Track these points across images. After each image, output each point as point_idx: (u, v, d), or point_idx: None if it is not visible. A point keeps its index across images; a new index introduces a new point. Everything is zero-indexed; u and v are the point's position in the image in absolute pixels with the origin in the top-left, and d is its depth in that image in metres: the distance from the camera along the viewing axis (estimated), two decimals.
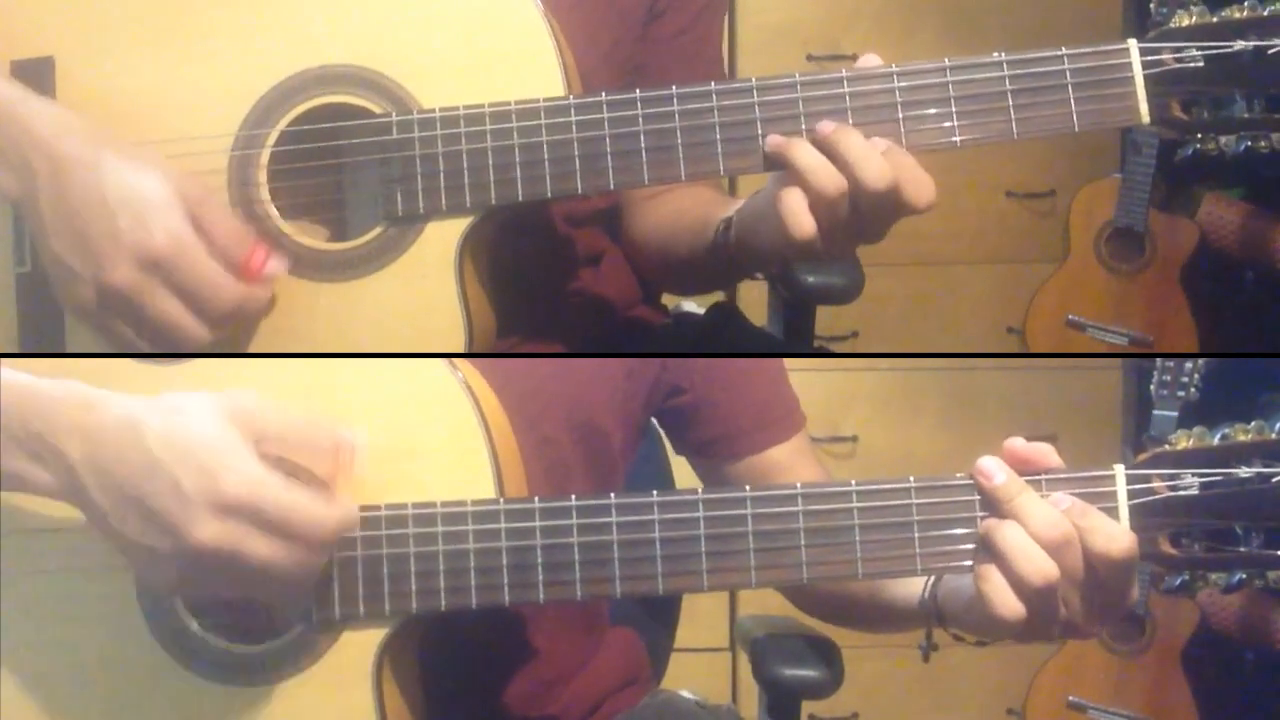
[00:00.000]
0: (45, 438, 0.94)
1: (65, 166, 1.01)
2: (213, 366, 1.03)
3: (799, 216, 1.05)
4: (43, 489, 0.95)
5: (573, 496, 1.00)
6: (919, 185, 1.05)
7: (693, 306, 1.53)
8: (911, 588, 1.14)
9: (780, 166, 1.06)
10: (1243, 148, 2.55)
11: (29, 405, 0.95)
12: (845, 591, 1.25)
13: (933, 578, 1.12)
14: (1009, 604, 0.97)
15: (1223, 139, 2.54)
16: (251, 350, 1.09)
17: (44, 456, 0.94)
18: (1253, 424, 0.99)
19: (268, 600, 1.00)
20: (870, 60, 1.08)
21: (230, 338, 1.07)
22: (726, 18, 2.54)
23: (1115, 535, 0.97)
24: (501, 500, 1.00)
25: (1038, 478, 0.99)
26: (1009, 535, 0.97)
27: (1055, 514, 0.97)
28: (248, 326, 1.08)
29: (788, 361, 1.36)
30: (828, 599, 1.31)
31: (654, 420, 1.32)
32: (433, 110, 1.08)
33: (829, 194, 1.04)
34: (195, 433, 0.93)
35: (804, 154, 1.05)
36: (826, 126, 1.05)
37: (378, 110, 1.08)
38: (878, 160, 1.04)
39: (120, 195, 1.00)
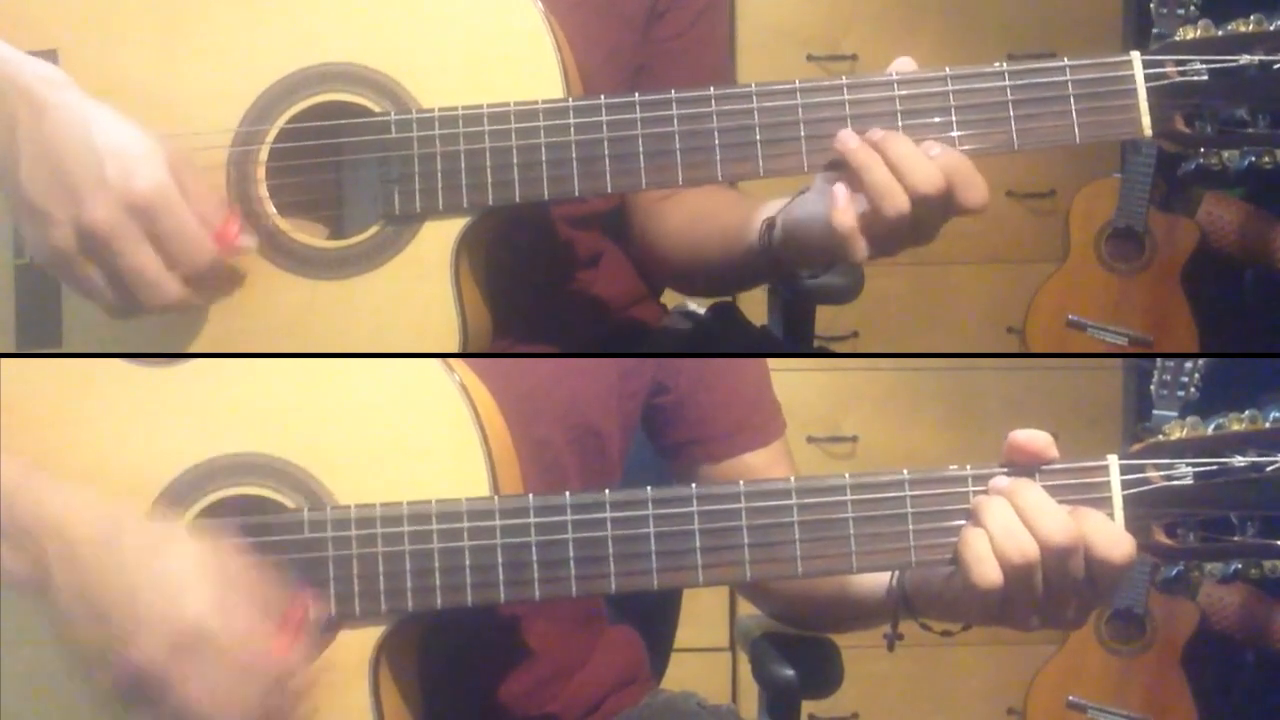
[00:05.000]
0: None
1: (51, 113, 1.01)
2: (210, 365, 1.03)
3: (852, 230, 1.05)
4: None
5: (567, 494, 1.00)
6: (971, 188, 1.05)
7: (693, 306, 1.53)
8: (878, 579, 1.14)
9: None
10: (1246, 163, 2.55)
11: None
12: (811, 590, 1.25)
13: None
14: (988, 573, 0.97)
15: (1226, 153, 2.55)
16: (248, 349, 1.09)
17: None
18: (1246, 413, 0.99)
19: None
20: (904, 64, 1.08)
21: (220, 335, 1.08)
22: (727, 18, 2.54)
23: (1117, 539, 0.97)
24: (496, 498, 1.00)
25: (1033, 469, 1.00)
26: (996, 511, 0.98)
27: (1065, 517, 0.97)
28: (228, 313, 1.09)
29: (788, 361, 1.36)
30: (792, 600, 1.31)
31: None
32: (432, 110, 1.08)
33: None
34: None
35: (867, 159, 1.05)
36: (875, 134, 1.05)
37: (377, 109, 1.08)
38: (926, 164, 1.04)
39: (108, 143, 1.00)
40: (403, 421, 1.01)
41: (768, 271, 1.31)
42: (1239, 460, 0.98)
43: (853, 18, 2.78)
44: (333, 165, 1.11)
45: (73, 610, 0.93)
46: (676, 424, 1.29)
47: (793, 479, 1.00)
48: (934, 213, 1.05)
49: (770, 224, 1.21)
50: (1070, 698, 2.61)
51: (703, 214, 1.35)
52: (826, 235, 1.08)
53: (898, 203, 1.04)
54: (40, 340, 1.12)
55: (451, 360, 1.04)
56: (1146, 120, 1.06)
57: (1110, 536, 0.97)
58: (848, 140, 1.05)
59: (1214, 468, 0.98)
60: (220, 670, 0.92)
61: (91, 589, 0.93)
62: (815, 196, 1.13)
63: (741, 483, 1.01)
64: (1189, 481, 0.99)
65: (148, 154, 1.01)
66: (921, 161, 1.04)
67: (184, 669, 0.91)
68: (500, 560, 1.00)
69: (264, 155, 1.09)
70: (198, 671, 0.92)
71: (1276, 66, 1.04)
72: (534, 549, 1.00)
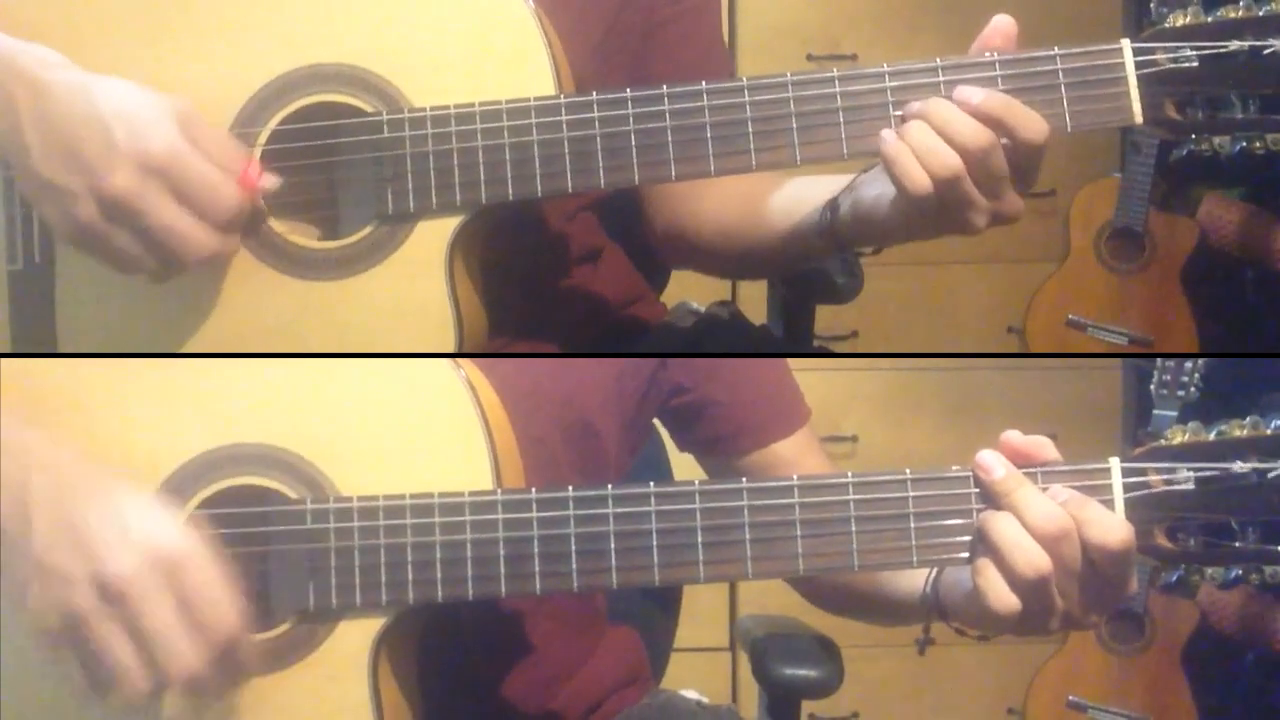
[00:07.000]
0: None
1: (51, 91, 1.01)
2: (210, 366, 1.03)
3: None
4: None
5: (570, 488, 1.00)
6: (1024, 123, 1.05)
7: (692, 305, 1.53)
8: (914, 581, 1.14)
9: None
10: (1238, 148, 2.55)
11: None
12: (849, 584, 1.26)
13: (934, 572, 1.11)
14: (1003, 597, 0.97)
15: (1218, 140, 2.55)
16: (247, 350, 1.09)
17: None
18: (1248, 419, 0.98)
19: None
20: (1003, 23, 1.10)
21: (215, 338, 1.08)
22: (726, 14, 2.53)
23: (1112, 526, 0.96)
24: (499, 491, 1.00)
25: (1034, 470, 1.00)
26: (1002, 527, 0.97)
27: (1052, 506, 0.97)
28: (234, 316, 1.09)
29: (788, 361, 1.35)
30: (834, 591, 1.31)
31: (656, 420, 1.32)
32: (423, 109, 1.07)
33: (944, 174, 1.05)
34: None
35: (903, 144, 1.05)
36: (912, 107, 1.05)
37: (369, 109, 1.08)
38: (968, 124, 1.05)
39: (113, 109, 1.00)
40: (407, 414, 1.01)
41: (820, 250, 1.27)
42: (1240, 466, 0.98)
43: (853, 17, 2.78)
44: (325, 166, 1.10)
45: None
46: (701, 423, 1.28)
47: (795, 476, 1.00)
48: (1021, 159, 1.07)
49: (833, 205, 1.19)
50: (1070, 698, 2.61)
51: (742, 194, 1.32)
52: (895, 213, 1.09)
53: (950, 161, 1.04)
54: (35, 346, 1.11)
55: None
56: (1137, 107, 1.07)
57: (1104, 523, 0.96)
58: (885, 138, 1.05)
59: (1215, 473, 0.98)
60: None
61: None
62: (882, 176, 1.11)
63: (744, 480, 1.00)
64: (1190, 486, 0.98)
65: (155, 113, 1.01)
66: (964, 123, 1.04)
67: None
68: (502, 553, 0.99)
69: (256, 157, 1.08)
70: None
71: (1266, 51, 1.04)
72: (535, 542, 0.99)
